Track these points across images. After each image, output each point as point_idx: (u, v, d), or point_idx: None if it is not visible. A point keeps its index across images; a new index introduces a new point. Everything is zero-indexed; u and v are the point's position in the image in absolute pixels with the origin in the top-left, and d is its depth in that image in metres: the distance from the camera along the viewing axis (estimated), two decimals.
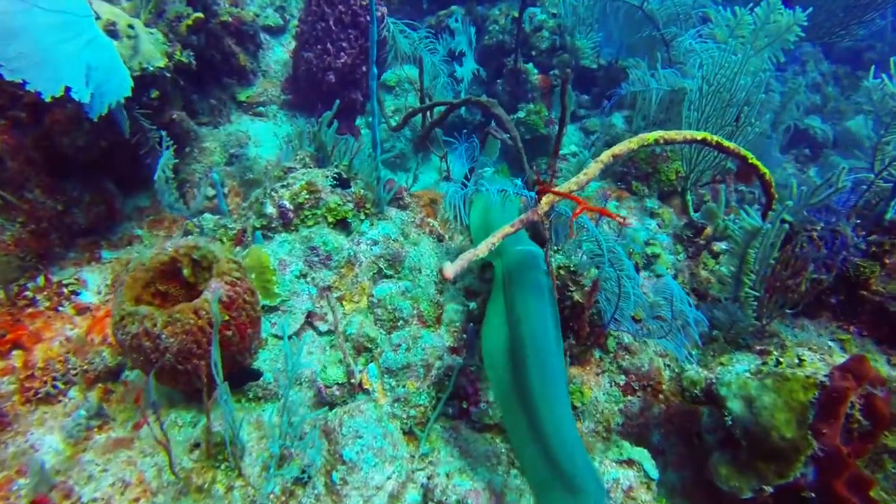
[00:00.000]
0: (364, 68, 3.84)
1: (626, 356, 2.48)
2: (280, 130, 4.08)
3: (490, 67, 4.68)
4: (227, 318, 1.92)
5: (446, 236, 2.93)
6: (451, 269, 1.37)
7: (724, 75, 2.37)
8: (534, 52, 4.60)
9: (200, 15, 3.30)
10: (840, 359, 1.81)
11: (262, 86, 4.17)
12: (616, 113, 4.41)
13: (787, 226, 1.91)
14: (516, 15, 4.29)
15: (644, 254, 2.75)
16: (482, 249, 1.51)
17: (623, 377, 2.46)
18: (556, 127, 3.34)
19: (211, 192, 3.23)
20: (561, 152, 3.01)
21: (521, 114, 4.35)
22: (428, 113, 3.59)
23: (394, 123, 4.17)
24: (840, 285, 2.34)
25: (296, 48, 3.95)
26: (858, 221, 2.48)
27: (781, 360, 1.82)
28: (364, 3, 3.58)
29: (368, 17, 3.65)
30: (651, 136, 1.78)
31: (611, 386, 2.46)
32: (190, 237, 2.05)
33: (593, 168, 1.72)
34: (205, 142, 3.60)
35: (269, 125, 4.10)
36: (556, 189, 1.62)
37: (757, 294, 2.03)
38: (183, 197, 3.29)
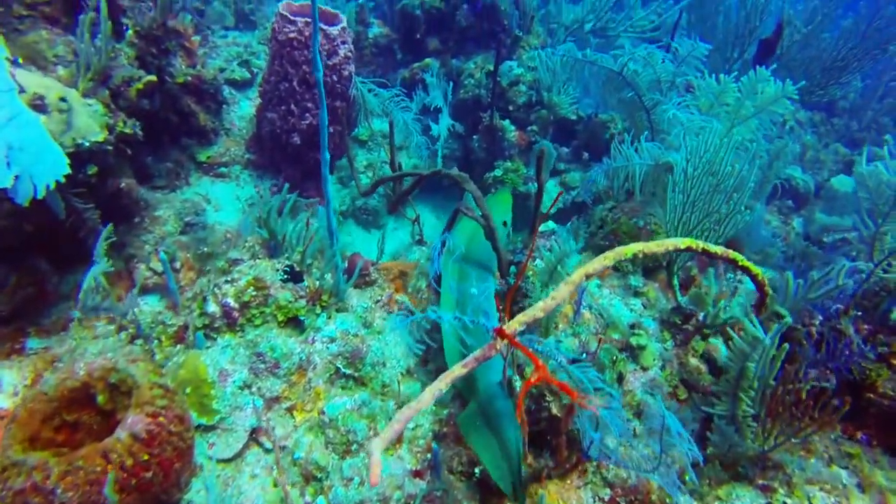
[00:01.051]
0: (331, 129, 3.64)
1: (611, 466, 2.23)
2: (243, 193, 3.83)
3: (466, 122, 4.51)
4: (146, 457, 1.63)
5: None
6: (377, 468, 1.04)
7: (710, 160, 2.20)
8: (511, 107, 4.44)
9: (153, 78, 3.07)
10: (858, 502, 1.58)
11: (225, 145, 3.93)
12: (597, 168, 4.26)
13: (787, 345, 1.70)
14: (492, 69, 4.15)
15: (627, 344, 2.52)
16: (426, 401, 1.25)
17: (608, 491, 2.20)
18: (535, 183, 3.17)
19: (159, 267, 2.96)
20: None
21: (497, 172, 4.17)
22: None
23: (365, 181, 3.96)
24: (844, 388, 2.13)
25: (259, 107, 3.74)
26: (859, 313, 2.30)
27: (789, 502, 1.58)
28: (330, 62, 3.40)
29: (335, 77, 3.47)
30: (629, 249, 1.58)
31: (594, 502, 2.19)
32: (107, 356, 1.77)
33: (563, 290, 1.49)
34: (158, 209, 3.32)
35: (232, 186, 3.85)
36: (517, 340, 1.39)
37: (755, 413, 1.81)
38: (129, 275, 3.01)
